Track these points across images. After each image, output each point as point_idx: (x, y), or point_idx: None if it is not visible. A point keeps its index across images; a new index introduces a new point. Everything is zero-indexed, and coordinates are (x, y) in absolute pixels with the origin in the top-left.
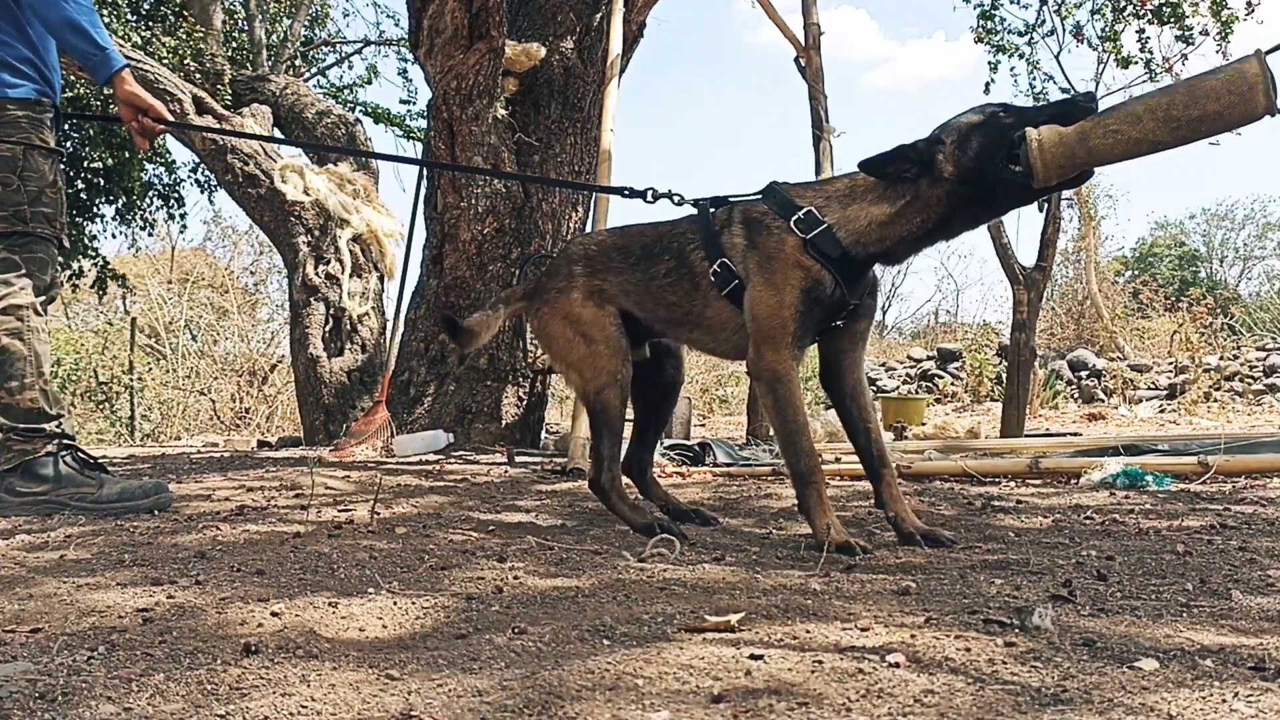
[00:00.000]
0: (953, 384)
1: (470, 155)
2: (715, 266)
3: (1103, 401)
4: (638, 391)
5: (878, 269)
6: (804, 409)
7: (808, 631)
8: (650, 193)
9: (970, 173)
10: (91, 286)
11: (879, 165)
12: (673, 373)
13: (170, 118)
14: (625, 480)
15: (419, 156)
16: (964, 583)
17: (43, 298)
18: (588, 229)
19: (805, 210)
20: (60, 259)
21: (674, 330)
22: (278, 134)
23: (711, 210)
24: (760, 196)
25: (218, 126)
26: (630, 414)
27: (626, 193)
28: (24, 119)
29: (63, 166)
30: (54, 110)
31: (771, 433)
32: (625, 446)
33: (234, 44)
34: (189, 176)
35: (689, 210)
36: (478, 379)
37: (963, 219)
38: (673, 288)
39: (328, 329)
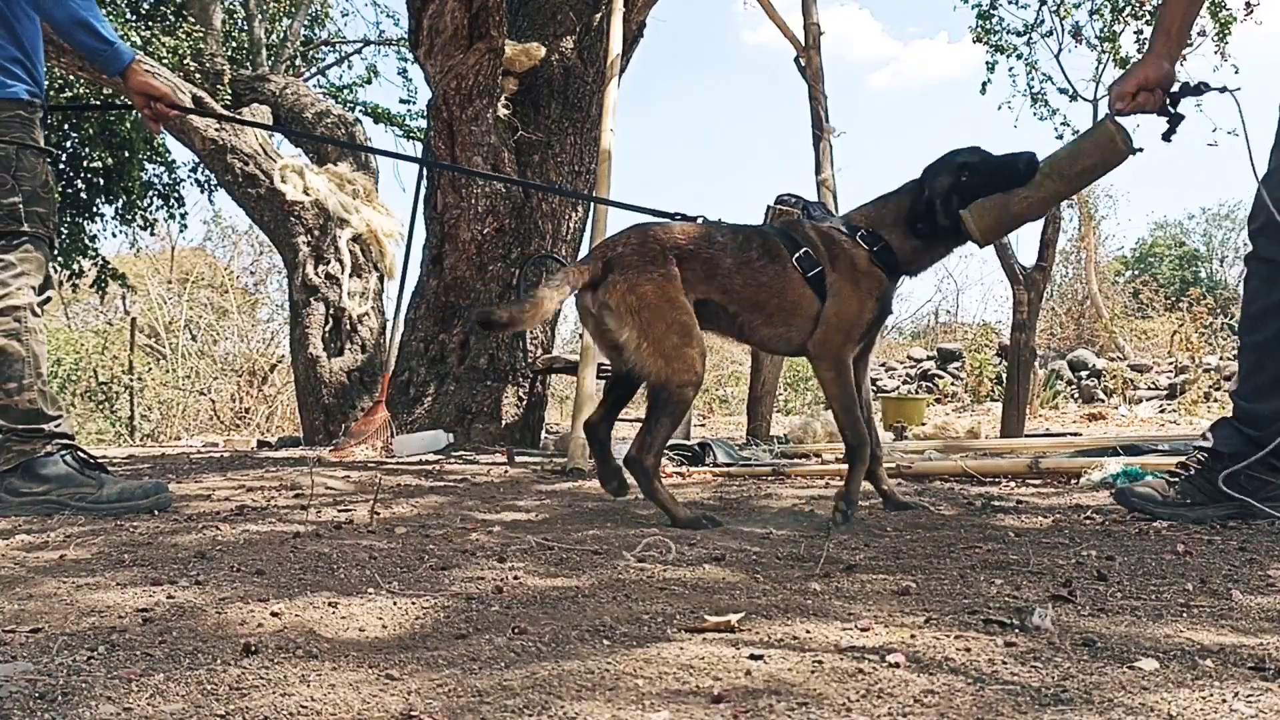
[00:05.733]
0: (953, 384)
1: (470, 155)
2: (801, 252)
3: (1103, 401)
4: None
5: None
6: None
7: (808, 631)
8: (679, 216)
9: (946, 215)
10: (92, 286)
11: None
12: None
13: (182, 102)
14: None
15: (419, 156)
16: (964, 583)
17: (40, 298)
18: (587, 230)
19: (868, 228)
20: (52, 259)
21: (750, 314)
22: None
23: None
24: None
25: (228, 114)
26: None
27: (678, 217)
28: (16, 119)
29: (62, 166)
30: (44, 110)
31: (770, 433)
32: (595, 412)
33: (234, 44)
34: (189, 176)
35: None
36: (478, 379)
37: (943, 246)
38: (764, 269)
39: (328, 329)
